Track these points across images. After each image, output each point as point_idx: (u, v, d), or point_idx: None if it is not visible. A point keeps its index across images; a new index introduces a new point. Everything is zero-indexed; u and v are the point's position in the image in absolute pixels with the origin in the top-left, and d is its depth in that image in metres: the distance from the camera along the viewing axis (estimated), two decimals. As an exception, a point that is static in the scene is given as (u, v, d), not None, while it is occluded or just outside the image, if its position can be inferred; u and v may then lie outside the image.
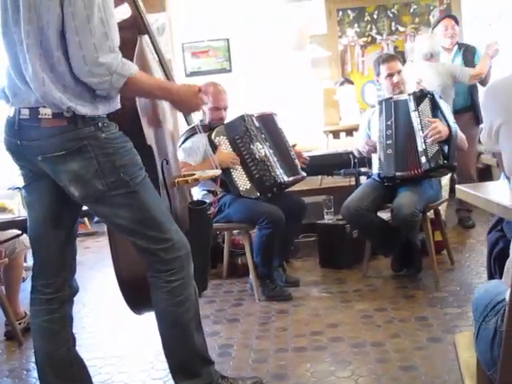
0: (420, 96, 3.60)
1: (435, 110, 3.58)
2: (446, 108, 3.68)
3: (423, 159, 3.50)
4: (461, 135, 3.66)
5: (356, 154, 4.02)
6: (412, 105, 3.58)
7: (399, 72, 3.74)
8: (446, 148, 3.52)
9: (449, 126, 3.52)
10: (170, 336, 2.12)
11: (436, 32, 5.09)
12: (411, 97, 3.60)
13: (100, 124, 1.90)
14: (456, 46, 5.01)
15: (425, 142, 3.50)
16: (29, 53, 1.81)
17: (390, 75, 3.74)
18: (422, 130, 3.52)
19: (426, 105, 3.58)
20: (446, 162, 3.51)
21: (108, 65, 1.78)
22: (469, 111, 4.81)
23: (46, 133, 1.87)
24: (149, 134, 2.13)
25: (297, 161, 3.79)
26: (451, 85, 4.67)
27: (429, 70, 4.62)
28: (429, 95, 3.60)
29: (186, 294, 2.07)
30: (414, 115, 3.57)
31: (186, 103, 2.11)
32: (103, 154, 1.89)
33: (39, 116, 1.86)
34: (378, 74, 3.83)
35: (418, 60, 4.84)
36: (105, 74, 1.79)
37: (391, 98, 3.70)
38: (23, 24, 1.80)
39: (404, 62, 5.05)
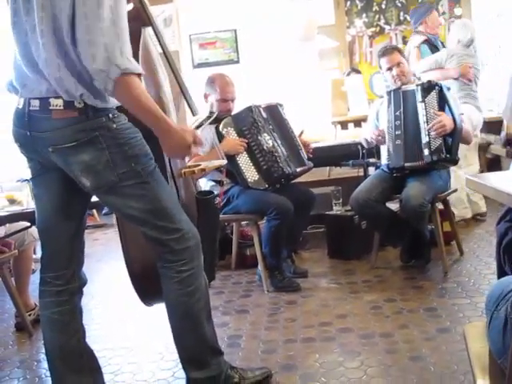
0: (428, 87, 3.58)
1: (442, 102, 3.55)
2: (454, 101, 3.65)
3: (426, 151, 3.50)
4: (466, 128, 3.63)
5: (364, 144, 4.01)
6: (419, 96, 3.57)
7: (399, 64, 3.71)
8: (449, 141, 3.51)
9: (454, 119, 3.49)
10: (181, 327, 2.12)
11: (428, 23, 5.10)
12: (419, 88, 3.59)
13: (111, 115, 1.90)
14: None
15: (429, 135, 3.49)
16: (43, 38, 1.80)
17: (390, 68, 3.73)
18: (427, 121, 3.51)
19: (432, 97, 3.56)
20: (448, 155, 3.51)
21: (111, 52, 1.74)
22: None
23: (57, 124, 1.86)
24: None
25: (303, 151, 3.78)
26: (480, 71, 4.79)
27: (469, 55, 4.71)
28: (436, 87, 3.57)
29: (196, 284, 2.07)
30: (420, 106, 3.56)
31: (171, 146, 1.95)
32: (115, 144, 1.89)
33: (50, 107, 1.86)
34: (381, 68, 3.83)
35: (457, 48, 4.81)
36: (106, 62, 1.73)
37: (400, 88, 3.68)
38: (37, 11, 1.79)
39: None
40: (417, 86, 3.62)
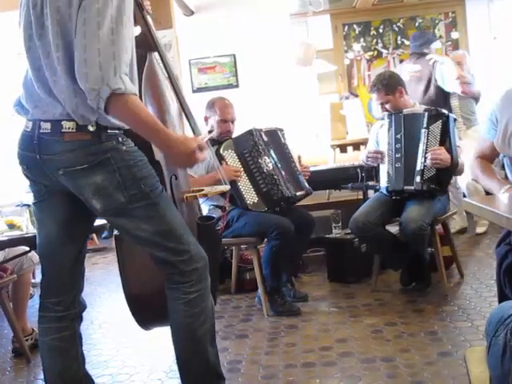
0: (435, 115, 3.55)
1: (444, 133, 3.51)
2: (455, 135, 3.61)
3: (418, 179, 3.50)
4: (460, 162, 3.60)
5: (364, 163, 3.99)
6: (424, 122, 3.54)
7: (387, 102, 3.73)
8: (442, 174, 3.52)
9: (452, 156, 3.48)
10: (184, 348, 2.10)
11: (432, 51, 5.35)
12: (426, 113, 3.57)
13: (120, 138, 1.92)
14: None
15: (424, 163, 3.48)
16: (60, 65, 1.82)
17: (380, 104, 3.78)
18: (425, 150, 3.50)
19: (437, 126, 3.52)
20: (438, 187, 3.52)
21: (105, 71, 1.73)
22: None
23: (69, 146, 1.87)
24: (157, 149, 2.13)
25: (302, 176, 3.79)
26: None
27: None
28: (443, 117, 3.54)
29: (202, 306, 2.06)
30: (423, 132, 3.53)
31: (176, 157, 1.96)
32: (125, 166, 1.90)
33: (62, 130, 1.86)
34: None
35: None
36: (97, 81, 1.73)
37: (401, 111, 3.69)
38: (52, 38, 1.81)
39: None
40: (425, 111, 3.60)
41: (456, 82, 4.90)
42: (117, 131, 1.91)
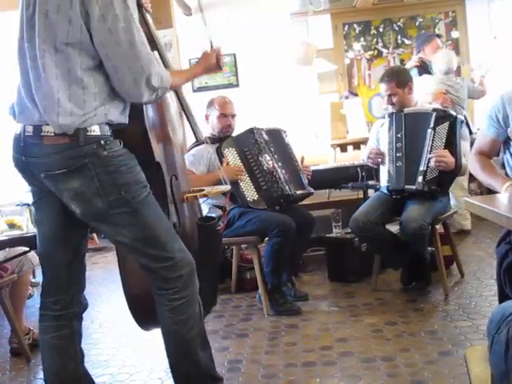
0: (442, 116, 3.52)
1: (451, 135, 3.48)
2: (460, 137, 3.57)
3: (420, 179, 3.48)
4: (463, 164, 3.56)
5: (365, 161, 3.97)
6: (431, 122, 3.51)
7: (394, 94, 3.67)
8: (445, 176, 3.50)
9: (457, 159, 3.46)
10: (174, 353, 2.10)
11: (426, 50, 5.48)
12: (434, 114, 3.53)
13: (102, 141, 1.89)
14: None
15: (428, 164, 3.47)
16: (45, 72, 1.82)
17: (387, 95, 3.73)
18: (430, 151, 3.48)
19: (444, 127, 3.49)
20: (439, 188, 3.52)
21: (153, 84, 1.89)
22: None
23: (48, 150, 1.87)
24: (157, 150, 2.13)
25: (304, 176, 3.80)
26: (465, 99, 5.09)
27: (445, 82, 5.06)
28: (451, 118, 3.51)
29: (189, 312, 2.05)
30: (429, 132, 3.50)
31: (209, 71, 2.34)
32: (104, 172, 1.89)
33: (41, 133, 1.87)
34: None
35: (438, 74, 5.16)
36: (151, 92, 1.90)
37: (402, 110, 3.68)
38: (38, 43, 1.81)
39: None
40: (433, 110, 3.56)
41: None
42: (98, 134, 1.89)
